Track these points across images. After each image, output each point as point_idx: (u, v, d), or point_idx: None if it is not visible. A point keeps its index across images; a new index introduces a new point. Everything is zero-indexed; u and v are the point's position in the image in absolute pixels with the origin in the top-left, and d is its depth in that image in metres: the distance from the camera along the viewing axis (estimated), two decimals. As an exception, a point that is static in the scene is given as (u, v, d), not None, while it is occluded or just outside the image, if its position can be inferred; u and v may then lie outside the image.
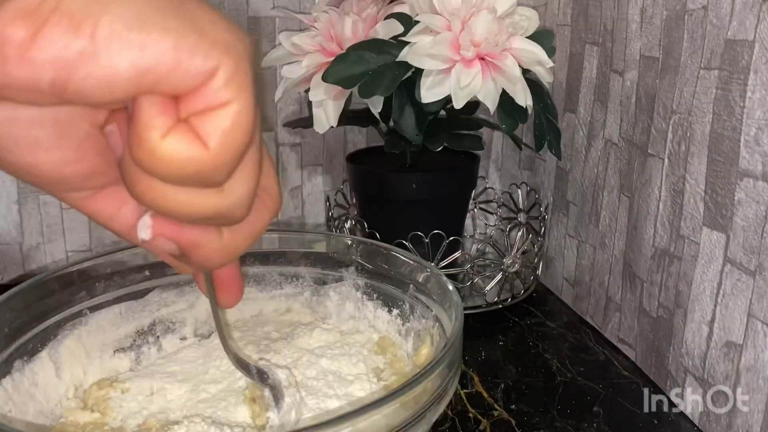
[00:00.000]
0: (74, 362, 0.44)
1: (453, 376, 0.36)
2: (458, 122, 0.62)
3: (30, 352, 0.41)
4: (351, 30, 0.55)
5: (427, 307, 0.45)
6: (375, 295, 0.49)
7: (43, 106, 0.20)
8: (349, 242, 0.52)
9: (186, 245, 0.24)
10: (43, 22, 0.18)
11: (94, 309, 0.46)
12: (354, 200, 0.70)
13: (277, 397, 0.39)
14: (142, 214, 0.24)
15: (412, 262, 0.47)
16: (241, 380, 0.43)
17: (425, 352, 0.44)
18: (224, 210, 0.22)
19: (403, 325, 0.47)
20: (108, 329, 0.47)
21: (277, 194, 0.26)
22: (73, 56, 0.18)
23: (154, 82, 0.19)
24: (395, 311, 0.48)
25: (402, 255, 0.48)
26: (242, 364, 0.38)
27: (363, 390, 0.42)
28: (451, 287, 0.42)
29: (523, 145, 0.65)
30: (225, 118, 0.20)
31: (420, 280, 0.46)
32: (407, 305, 0.47)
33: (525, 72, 0.54)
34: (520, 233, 0.64)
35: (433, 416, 0.34)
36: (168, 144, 0.20)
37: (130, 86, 0.19)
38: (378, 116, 0.58)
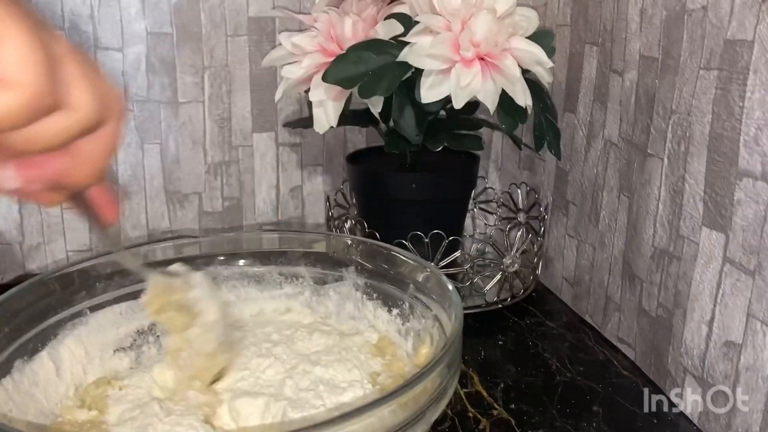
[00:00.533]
0: (74, 362, 0.44)
1: (452, 375, 0.36)
2: (458, 122, 0.62)
3: (30, 351, 0.41)
4: (351, 30, 0.55)
5: (427, 306, 0.45)
6: (375, 295, 0.50)
7: None
8: (349, 242, 0.52)
9: (53, 175, 0.26)
10: None
11: (94, 309, 0.46)
12: (354, 200, 0.70)
13: (190, 277, 0.40)
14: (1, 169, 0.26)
15: (411, 262, 0.47)
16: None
17: (425, 352, 0.44)
18: (77, 124, 0.24)
19: (402, 324, 0.47)
20: (108, 329, 0.47)
21: (119, 104, 0.27)
22: None
23: None
24: (395, 311, 0.48)
25: (402, 255, 0.48)
26: (143, 271, 0.39)
27: (355, 398, 0.41)
28: (450, 287, 0.42)
29: (522, 145, 0.65)
30: (11, 51, 0.22)
31: (420, 280, 0.46)
32: (407, 305, 0.47)
33: (525, 72, 0.54)
34: (519, 233, 0.64)
35: (433, 416, 0.35)
36: None
37: None
38: (378, 116, 0.58)
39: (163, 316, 0.41)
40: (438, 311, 0.43)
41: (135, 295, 0.48)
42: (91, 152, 0.27)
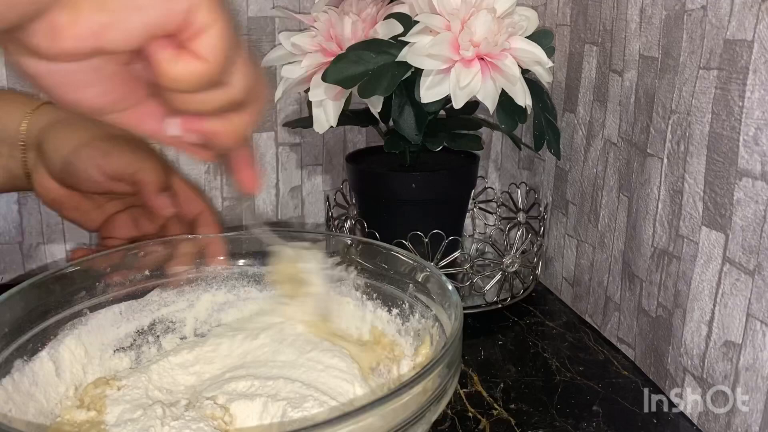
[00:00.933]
0: (74, 362, 0.44)
1: (452, 375, 0.36)
2: (458, 122, 0.62)
3: (30, 351, 0.41)
4: (350, 30, 0.55)
5: (427, 306, 0.45)
6: (375, 295, 0.49)
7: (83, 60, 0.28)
8: (349, 242, 0.52)
9: (207, 133, 0.33)
10: (79, 8, 0.26)
11: (94, 309, 0.46)
12: (354, 200, 0.70)
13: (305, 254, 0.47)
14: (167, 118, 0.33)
15: (411, 262, 0.47)
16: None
17: (425, 352, 0.44)
18: (232, 99, 0.31)
19: (402, 324, 0.47)
20: (108, 329, 0.47)
21: (263, 85, 0.34)
22: (102, 28, 0.26)
23: (156, 31, 0.27)
24: (395, 311, 0.48)
25: (401, 255, 0.48)
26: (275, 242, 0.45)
27: (354, 397, 0.41)
28: (450, 287, 0.42)
29: (522, 145, 0.65)
30: (212, 37, 0.28)
31: (419, 280, 0.46)
32: (407, 305, 0.47)
33: (524, 72, 0.54)
34: (519, 233, 0.64)
35: (433, 416, 0.35)
36: (180, 67, 0.28)
37: (142, 38, 0.27)
38: (377, 116, 0.58)
39: (278, 285, 0.49)
40: (438, 311, 0.43)
41: (135, 295, 0.48)
42: (237, 122, 0.33)
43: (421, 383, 0.33)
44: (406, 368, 0.44)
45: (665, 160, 0.49)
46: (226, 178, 0.37)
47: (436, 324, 0.43)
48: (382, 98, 0.55)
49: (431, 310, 0.44)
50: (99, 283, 0.47)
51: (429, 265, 0.46)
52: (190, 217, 0.54)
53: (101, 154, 0.50)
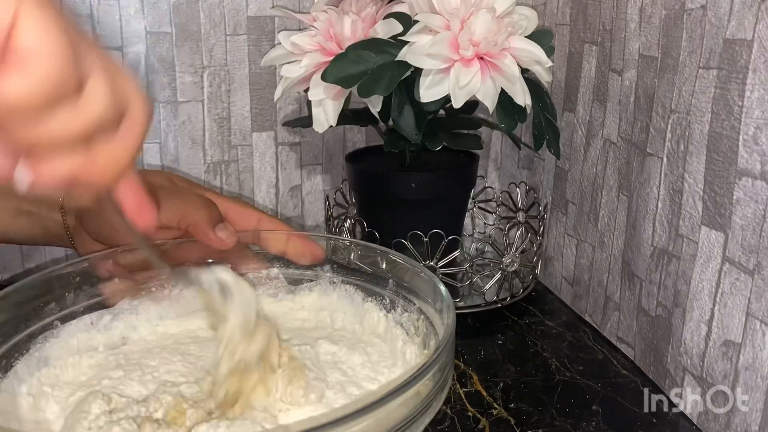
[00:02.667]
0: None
1: (445, 378, 0.36)
2: (457, 121, 0.62)
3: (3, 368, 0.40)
4: (350, 29, 0.55)
5: (419, 308, 0.45)
6: (365, 296, 0.49)
7: None
8: (348, 243, 0.52)
9: (69, 175, 0.25)
10: None
11: (64, 320, 0.45)
12: (353, 199, 0.70)
13: (226, 293, 0.39)
14: (16, 165, 0.25)
15: (403, 263, 0.47)
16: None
17: (418, 354, 0.44)
18: (92, 121, 0.24)
19: (394, 326, 0.47)
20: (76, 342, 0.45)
21: (143, 102, 0.27)
22: None
23: None
24: (383, 312, 0.48)
25: (393, 255, 0.48)
26: (181, 276, 0.38)
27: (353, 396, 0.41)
28: (443, 288, 0.42)
29: (522, 145, 0.65)
30: (29, 30, 0.21)
31: (412, 281, 0.46)
32: (399, 306, 0.47)
33: (524, 71, 0.54)
34: (519, 232, 0.64)
35: (426, 419, 0.34)
36: (6, 86, 0.21)
37: None
38: (377, 115, 0.58)
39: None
40: (431, 313, 0.43)
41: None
42: (108, 153, 0.26)
43: (414, 386, 0.33)
44: (398, 371, 0.44)
45: (665, 160, 0.49)
46: (111, 214, 0.32)
47: (429, 326, 0.43)
48: (381, 98, 0.55)
49: (423, 313, 0.44)
50: (68, 293, 0.45)
51: (418, 265, 0.46)
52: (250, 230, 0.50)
53: None
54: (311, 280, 0.51)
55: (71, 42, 0.22)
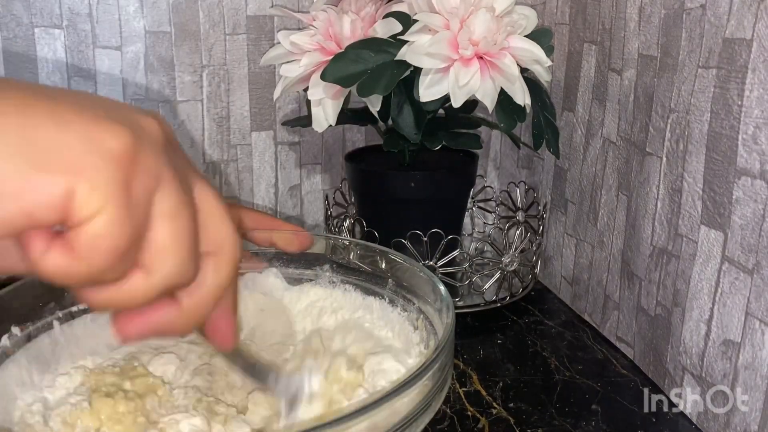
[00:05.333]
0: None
1: (445, 378, 0.36)
2: (457, 121, 0.62)
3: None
4: (349, 29, 0.55)
5: (419, 308, 0.45)
6: (363, 295, 0.49)
7: None
8: (347, 243, 0.52)
9: (155, 327, 0.27)
10: None
11: (64, 320, 0.45)
12: (353, 199, 0.70)
13: (292, 406, 0.38)
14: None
15: (402, 262, 0.47)
16: None
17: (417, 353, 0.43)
18: (159, 286, 0.25)
19: (393, 326, 0.47)
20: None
21: (234, 244, 0.27)
22: None
23: (21, 223, 0.22)
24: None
25: (393, 255, 0.48)
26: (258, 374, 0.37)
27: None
28: (442, 288, 0.42)
29: (521, 144, 0.65)
30: (93, 228, 0.22)
31: (412, 281, 0.46)
32: (398, 306, 0.47)
33: (523, 71, 0.54)
34: (518, 232, 0.64)
35: (425, 420, 0.34)
36: (47, 260, 0.23)
37: (7, 233, 0.22)
38: (376, 115, 0.58)
39: None
40: (430, 313, 0.43)
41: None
42: (190, 305, 0.27)
43: (414, 386, 0.33)
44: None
45: (664, 159, 0.49)
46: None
47: (429, 326, 0.43)
48: (381, 97, 0.55)
49: (423, 312, 0.44)
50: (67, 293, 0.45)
51: (418, 265, 0.46)
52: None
53: None
54: (311, 280, 0.51)
55: (128, 229, 0.23)
